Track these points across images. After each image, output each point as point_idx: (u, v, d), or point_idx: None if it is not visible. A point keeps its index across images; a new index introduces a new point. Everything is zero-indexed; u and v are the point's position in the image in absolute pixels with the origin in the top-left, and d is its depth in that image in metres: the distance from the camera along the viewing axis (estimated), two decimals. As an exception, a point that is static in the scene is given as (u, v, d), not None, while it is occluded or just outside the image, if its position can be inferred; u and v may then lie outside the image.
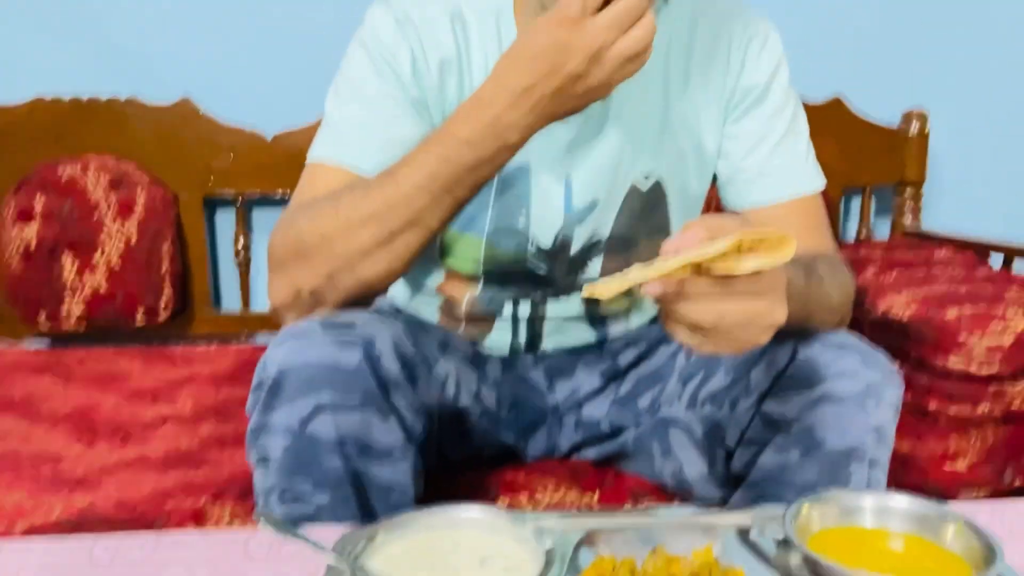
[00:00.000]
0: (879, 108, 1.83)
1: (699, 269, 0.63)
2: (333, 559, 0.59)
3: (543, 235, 1.01)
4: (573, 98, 0.77)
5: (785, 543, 0.65)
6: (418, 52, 0.93)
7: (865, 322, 1.39)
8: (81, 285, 1.60)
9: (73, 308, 1.61)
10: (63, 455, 1.21)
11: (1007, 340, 1.22)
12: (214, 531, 0.89)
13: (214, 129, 1.66)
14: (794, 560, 0.64)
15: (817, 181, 1.01)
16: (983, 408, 1.26)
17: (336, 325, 0.81)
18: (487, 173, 0.82)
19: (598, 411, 1.10)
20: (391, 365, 0.80)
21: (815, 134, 1.72)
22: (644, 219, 1.02)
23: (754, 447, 0.89)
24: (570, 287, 1.05)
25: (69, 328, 1.63)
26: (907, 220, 1.84)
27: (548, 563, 0.59)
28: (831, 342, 0.86)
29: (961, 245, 1.67)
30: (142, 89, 1.65)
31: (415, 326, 1.00)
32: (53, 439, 1.26)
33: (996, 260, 1.63)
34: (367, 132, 0.93)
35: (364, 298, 0.89)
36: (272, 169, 1.67)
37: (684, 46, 0.99)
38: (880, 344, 1.34)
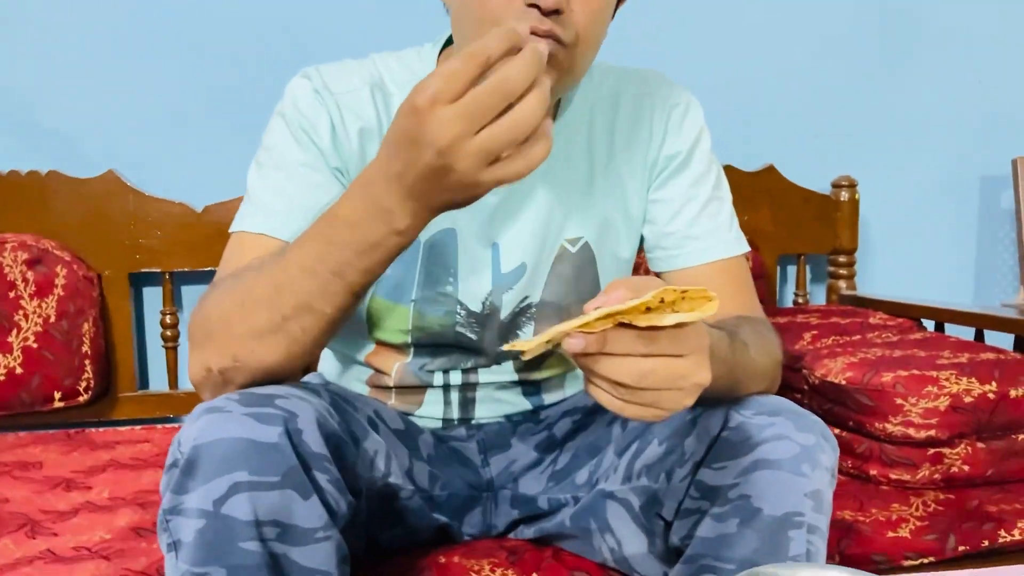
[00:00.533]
0: (810, 176, 1.87)
1: (622, 326, 0.61)
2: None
3: (472, 300, 1.00)
4: (448, 191, 0.68)
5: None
6: (337, 121, 0.93)
7: (802, 389, 1.39)
8: (-6, 367, 1.52)
9: (-14, 392, 1.53)
10: (-39, 558, 1.12)
11: (943, 404, 1.22)
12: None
13: (141, 201, 1.62)
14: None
15: (741, 246, 1.03)
16: (923, 473, 1.26)
17: (255, 399, 0.77)
18: (379, 258, 0.74)
19: (535, 487, 1.06)
20: (313, 440, 0.76)
21: (750, 201, 1.77)
22: (575, 283, 1.02)
23: (692, 518, 0.87)
24: (502, 354, 1.03)
25: (-19, 413, 1.54)
26: (842, 286, 1.87)
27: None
28: (763, 407, 0.85)
29: (894, 309, 1.69)
30: (65, 164, 1.61)
31: (343, 399, 0.96)
32: (-48, 536, 1.17)
33: (930, 324, 1.66)
34: (288, 200, 0.91)
35: (277, 380, 0.84)
36: (202, 244, 1.64)
37: (608, 117, 1.02)
38: (819, 410, 1.34)
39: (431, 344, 1.02)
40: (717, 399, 0.85)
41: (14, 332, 1.53)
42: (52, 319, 1.55)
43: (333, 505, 0.78)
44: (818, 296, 1.97)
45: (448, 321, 1.00)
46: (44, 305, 1.55)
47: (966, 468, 1.26)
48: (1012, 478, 1.28)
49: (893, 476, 1.27)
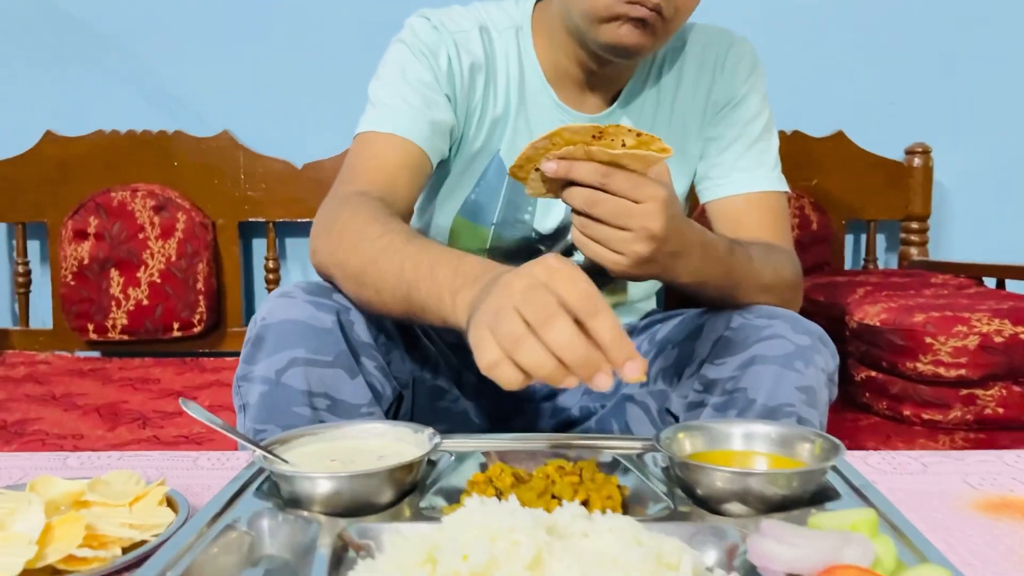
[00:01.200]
0: (884, 143, 1.88)
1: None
2: (251, 450, 0.68)
3: (546, 225, 1.11)
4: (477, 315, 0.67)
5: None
6: (452, 53, 1.04)
7: (844, 336, 1.43)
8: (126, 298, 1.77)
9: (118, 319, 1.77)
10: (86, 435, 1.34)
11: (972, 343, 1.24)
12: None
13: (250, 158, 1.84)
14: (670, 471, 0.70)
15: (782, 184, 1.10)
16: (956, 413, 1.28)
17: (317, 289, 0.89)
18: (420, 316, 0.80)
19: (571, 399, 1.16)
20: (362, 331, 0.88)
21: (819, 166, 1.80)
22: None
23: (696, 410, 0.94)
24: None
25: (114, 337, 1.78)
26: (913, 252, 1.87)
27: (433, 452, 0.67)
28: (765, 312, 0.93)
29: (959, 270, 1.69)
30: (187, 124, 1.84)
31: None
32: (81, 424, 1.39)
33: (991, 283, 1.65)
34: (413, 106, 1.01)
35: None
36: (301, 197, 1.83)
37: (675, 64, 1.11)
38: (856, 352, 1.38)
39: (506, 262, 1.13)
40: (721, 299, 0.94)
41: (142, 269, 1.77)
42: (173, 258, 1.78)
43: (378, 388, 0.89)
44: (892, 263, 1.97)
45: (523, 243, 1.12)
46: (166, 246, 1.78)
47: (1000, 411, 1.27)
48: (1050, 424, 1.29)
49: (926, 416, 1.29)
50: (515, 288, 0.63)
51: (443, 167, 1.10)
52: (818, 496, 0.66)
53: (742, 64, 1.11)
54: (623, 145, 0.72)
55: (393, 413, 0.96)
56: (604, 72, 1.06)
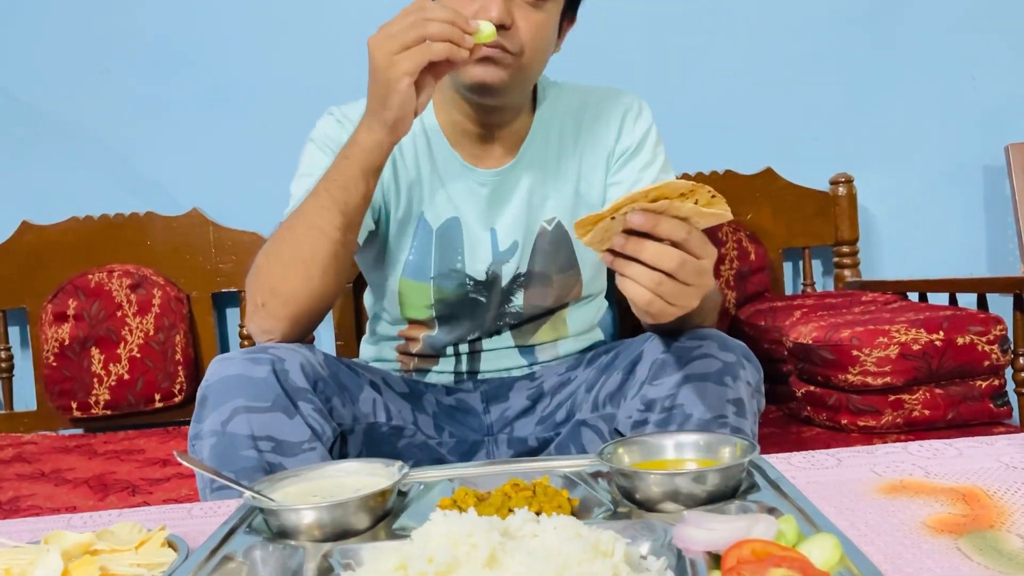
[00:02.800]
0: (811, 176, 2.03)
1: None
2: (244, 493, 0.77)
3: (477, 272, 1.23)
4: (377, 90, 0.98)
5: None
6: None
7: (783, 356, 1.55)
8: (107, 374, 1.84)
9: (100, 395, 1.84)
10: (79, 506, 1.41)
11: (893, 352, 1.36)
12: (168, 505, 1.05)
13: (220, 233, 1.94)
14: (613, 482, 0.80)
15: None
16: (887, 418, 1.39)
17: (253, 349, 1.00)
18: (350, 171, 1.02)
19: (526, 429, 1.26)
20: (297, 377, 0.98)
21: (751, 201, 1.94)
22: (554, 255, 1.25)
23: (640, 428, 1.04)
24: (501, 327, 1.27)
25: (97, 413, 1.85)
26: (847, 274, 2.00)
27: (403, 480, 0.76)
28: (695, 335, 1.05)
29: (885, 287, 1.82)
30: (157, 205, 1.94)
31: (346, 366, 1.16)
32: (73, 496, 1.46)
33: (915, 297, 1.78)
34: None
35: (308, 312, 1.07)
36: (270, 266, 1.92)
37: (575, 122, 1.26)
38: (794, 370, 1.50)
39: (450, 316, 1.25)
40: (680, 325, 1.04)
41: (121, 345, 1.85)
42: (151, 333, 1.86)
43: (316, 428, 0.98)
44: (829, 285, 2.10)
45: (461, 291, 1.23)
46: (144, 322, 1.86)
47: (926, 412, 1.39)
48: (972, 421, 1.40)
49: (861, 423, 1.41)
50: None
51: (378, 236, 1.23)
52: (739, 490, 0.76)
53: (639, 119, 1.25)
54: (696, 203, 0.79)
55: (337, 454, 1.04)
56: (492, 122, 1.20)
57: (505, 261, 1.24)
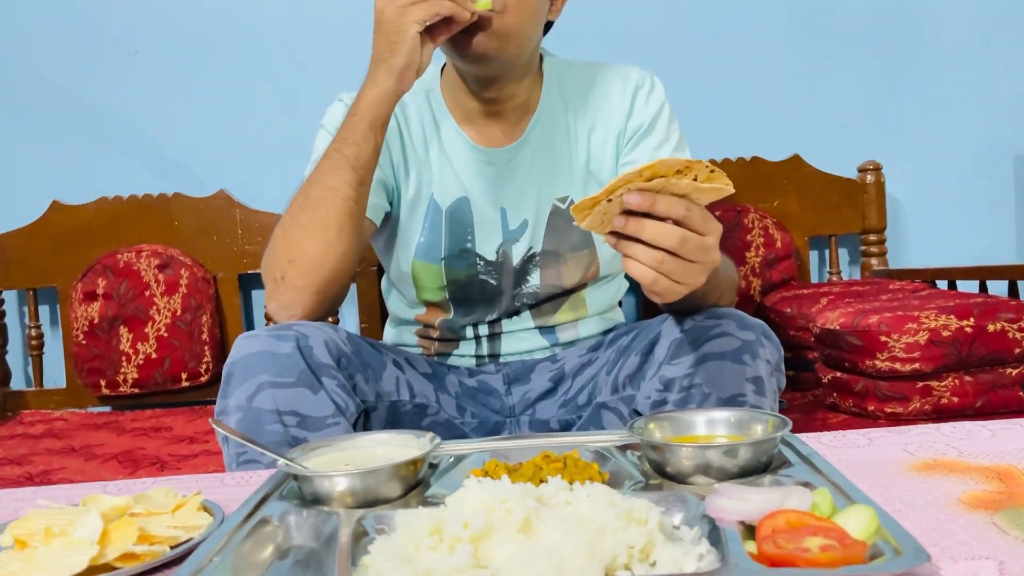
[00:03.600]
0: (839, 164, 2.02)
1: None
2: (278, 461, 0.77)
3: (487, 251, 1.23)
4: (385, 40, 1.02)
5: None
6: None
7: (810, 343, 1.54)
8: (135, 353, 1.86)
9: (128, 373, 1.86)
10: (109, 480, 1.43)
11: (922, 338, 1.35)
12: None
13: (246, 214, 1.95)
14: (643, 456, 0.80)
15: None
16: (915, 405, 1.38)
17: (278, 327, 1.00)
18: (359, 127, 1.04)
19: (548, 412, 1.26)
20: (321, 354, 0.98)
21: (778, 187, 1.93)
22: (567, 234, 1.24)
23: (659, 408, 1.04)
24: (520, 307, 1.27)
25: (125, 391, 1.87)
26: (874, 263, 1.98)
27: (434, 451, 0.77)
28: (713, 313, 1.04)
29: (914, 275, 1.81)
30: (185, 186, 1.96)
31: (370, 344, 1.17)
32: (102, 471, 1.48)
33: (943, 285, 1.76)
34: None
35: (327, 279, 1.05)
36: (296, 248, 1.93)
37: (584, 99, 1.25)
38: (821, 356, 1.49)
39: (463, 298, 1.25)
40: (694, 304, 1.03)
41: (149, 324, 1.87)
42: (178, 313, 1.88)
43: (340, 403, 0.98)
44: (855, 274, 2.09)
45: (471, 272, 1.23)
46: (171, 302, 1.88)
47: (955, 399, 1.37)
48: (1002, 409, 1.39)
49: (888, 410, 1.40)
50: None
51: (391, 219, 1.24)
52: (771, 466, 0.76)
53: (651, 96, 1.23)
54: (695, 179, 0.77)
55: (360, 429, 1.04)
56: (494, 96, 1.19)
57: (515, 240, 1.24)
